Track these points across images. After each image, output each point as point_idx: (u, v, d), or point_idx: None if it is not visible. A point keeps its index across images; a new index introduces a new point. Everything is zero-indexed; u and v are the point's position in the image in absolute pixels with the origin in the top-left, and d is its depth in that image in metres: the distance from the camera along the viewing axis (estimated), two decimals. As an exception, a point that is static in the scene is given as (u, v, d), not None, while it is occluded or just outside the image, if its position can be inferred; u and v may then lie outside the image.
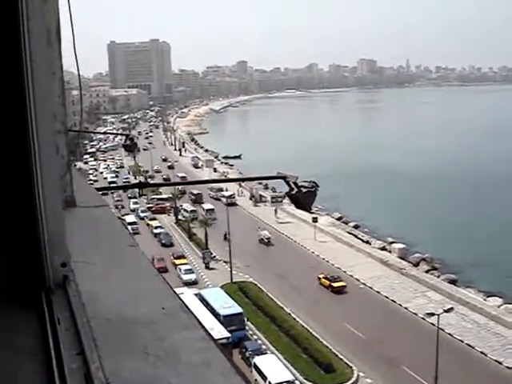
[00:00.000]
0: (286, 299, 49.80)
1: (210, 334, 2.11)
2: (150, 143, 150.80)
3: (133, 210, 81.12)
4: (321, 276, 54.27)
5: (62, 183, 3.37)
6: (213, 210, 75.63)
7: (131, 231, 57.53)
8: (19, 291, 2.40)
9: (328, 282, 53.10)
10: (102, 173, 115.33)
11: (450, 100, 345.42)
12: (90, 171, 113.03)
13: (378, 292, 52.23)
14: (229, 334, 38.06)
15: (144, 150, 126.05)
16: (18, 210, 2.43)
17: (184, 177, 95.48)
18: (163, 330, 2.13)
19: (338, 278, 53.62)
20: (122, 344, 2.02)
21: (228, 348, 36.24)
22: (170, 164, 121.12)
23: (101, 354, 1.88)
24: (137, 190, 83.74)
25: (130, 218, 72.17)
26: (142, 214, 78.72)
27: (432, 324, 41.14)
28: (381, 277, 56.08)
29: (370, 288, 53.22)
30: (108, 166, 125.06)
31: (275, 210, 79.73)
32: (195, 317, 2.24)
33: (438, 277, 56.38)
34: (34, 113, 2.26)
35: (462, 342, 42.29)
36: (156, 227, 71.72)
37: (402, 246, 63.87)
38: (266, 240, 66.62)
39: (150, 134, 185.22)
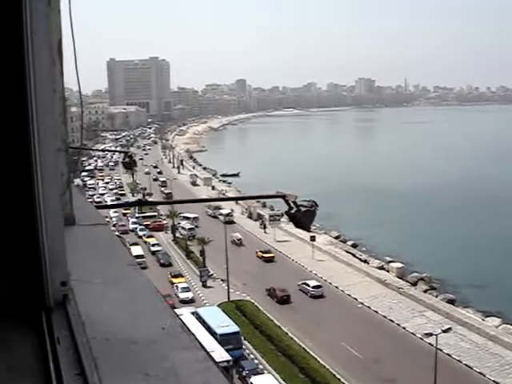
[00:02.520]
0: (282, 318, 49.65)
1: (210, 355, 2.09)
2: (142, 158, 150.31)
3: (132, 230, 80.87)
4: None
5: (61, 201, 3.36)
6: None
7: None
8: (19, 310, 2.38)
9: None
10: (102, 195, 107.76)
11: (447, 120, 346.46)
12: (89, 191, 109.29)
13: (376, 311, 52.02)
14: (229, 357, 37.81)
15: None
16: (18, 228, 2.42)
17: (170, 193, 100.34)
18: (163, 350, 2.11)
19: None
20: (122, 364, 2.00)
21: (229, 371, 36.07)
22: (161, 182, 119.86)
23: (101, 374, 1.86)
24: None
25: (137, 251, 63.61)
26: (140, 233, 78.64)
27: (430, 344, 40.90)
28: (378, 296, 55.88)
29: (368, 307, 53.01)
30: (107, 185, 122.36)
31: (264, 225, 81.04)
32: (195, 337, 2.23)
33: (437, 296, 56.20)
34: (37, 130, 2.26)
35: (460, 362, 42.05)
36: (153, 245, 71.49)
37: (400, 265, 63.74)
38: (237, 241, 71.20)
39: (145, 152, 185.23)
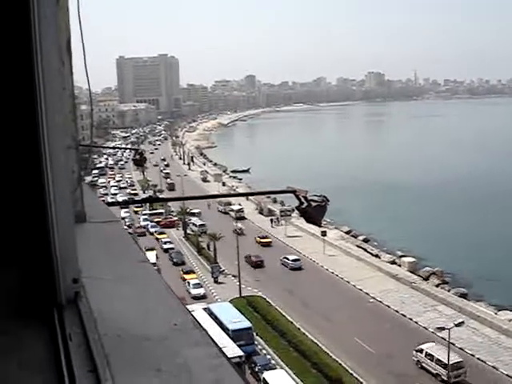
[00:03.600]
0: (294, 313, 49.69)
1: (222, 351, 2.09)
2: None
3: (143, 227, 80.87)
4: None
5: (72, 198, 3.37)
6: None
7: None
8: (31, 307, 2.39)
9: None
10: (115, 194, 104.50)
11: (457, 113, 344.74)
12: (101, 190, 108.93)
13: (388, 306, 51.93)
14: (242, 353, 37.88)
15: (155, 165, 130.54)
16: (29, 226, 2.42)
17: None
18: (175, 346, 2.11)
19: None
20: (134, 361, 2.01)
21: (241, 366, 36.13)
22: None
23: (113, 371, 1.87)
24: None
25: (152, 258, 56.91)
26: (151, 229, 78.81)
27: (443, 338, 40.78)
28: (390, 291, 55.78)
29: (380, 302, 52.92)
30: (118, 183, 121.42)
31: (271, 220, 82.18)
32: (207, 333, 2.23)
33: (449, 291, 56.00)
34: (46, 128, 2.26)
35: (473, 356, 41.89)
36: (166, 242, 71.35)
37: (411, 259, 63.52)
38: (239, 231, 71.98)
39: (156, 147, 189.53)
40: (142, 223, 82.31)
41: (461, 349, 42.09)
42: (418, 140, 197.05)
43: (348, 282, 58.08)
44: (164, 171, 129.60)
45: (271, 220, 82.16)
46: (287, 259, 63.45)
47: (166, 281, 2.94)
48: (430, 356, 39.93)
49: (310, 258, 66.18)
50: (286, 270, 62.05)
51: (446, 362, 37.65)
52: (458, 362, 38.63)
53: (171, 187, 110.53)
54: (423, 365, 40.47)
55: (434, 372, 39.57)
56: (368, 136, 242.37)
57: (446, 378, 38.38)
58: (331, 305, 51.84)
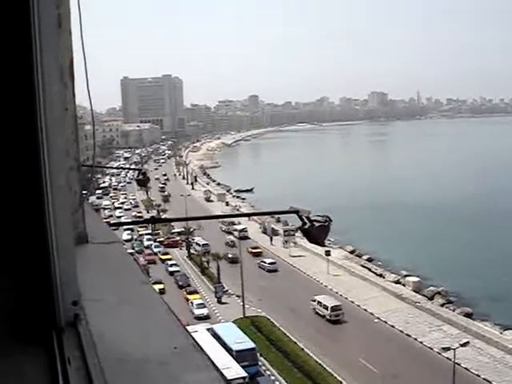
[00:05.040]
0: (298, 333, 49.38)
1: (223, 375, 2.07)
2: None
3: (147, 247, 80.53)
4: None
5: (74, 219, 3.36)
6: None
7: None
8: (29, 329, 2.36)
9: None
10: (119, 217, 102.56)
11: (461, 132, 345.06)
12: (105, 211, 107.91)
13: (393, 326, 51.62)
14: (245, 374, 37.63)
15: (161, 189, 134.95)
16: (29, 247, 2.41)
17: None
18: (176, 370, 2.08)
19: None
20: None
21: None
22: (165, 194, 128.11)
23: (112, 396, 1.84)
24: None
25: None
26: (155, 250, 78.45)
27: (448, 358, 40.49)
28: (395, 311, 55.51)
29: (385, 322, 52.62)
30: (122, 205, 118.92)
31: (270, 238, 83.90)
32: (208, 357, 2.20)
33: (454, 310, 55.70)
34: (47, 149, 2.26)
35: (478, 376, 41.55)
36: (171, 265, 70.35)
37: (416, 279, 63.26)
38: (230, 243, 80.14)
39: (159, 164, 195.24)
40: (146, 243, 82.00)
41: (466, 369, 41.77)
42: (422, 159, 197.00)
43: (352, 302, 57.80)
44: (160, 184, 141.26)
45: (285, 241, 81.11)
46: (264, 262, 70.14)
47: (170, 302, 2.92)
48: (319, 303, 54.34)
49: (315, 278, 65.98)
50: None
51: (328, 305, 53.08)
52: (336, 305, 53.77)
53: (165, 199, 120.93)
54: (317, 311, 54.50)
55: (323, 314, 53.47)
56: (371, 155, 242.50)
57: (329, 318, 52.71)
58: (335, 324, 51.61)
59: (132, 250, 72.70)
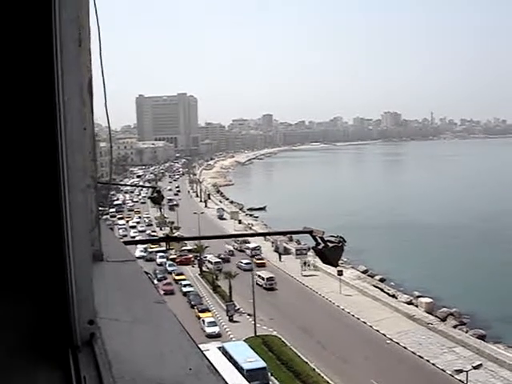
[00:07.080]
0: (309, 354, 48.98)
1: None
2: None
3: (160, 264, 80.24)
4: None
5: (90, 237, 3.37)
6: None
7: None
8: (45, 347, 2.37)
9: None
10: (134, 237, 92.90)
11: (474, 153, 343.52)
12: (120, 231, 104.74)
13: (405, 347, 51.10)
14: None
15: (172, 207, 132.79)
16: (47, 265, 2.42)
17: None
18: None
19: None
20: None
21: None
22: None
23: (127, 416, 1.83)
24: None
25: None
26: (169, 268, 77.75)
27: (461, 381, 40.01)
28: (407, 332, 54.95)
29: (397, 343, 52.10)
30: (137, 225, 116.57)
31: (279, 255, 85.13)
32: (223, 378, 2.19)
33: (466, 332, 55.07)
34: (66, 168, 2.28)
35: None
36: (185, 285, 69.22)
37: (428, 300, 62.68)
38: (229, 252, 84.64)
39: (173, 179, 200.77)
40: (158, 260, 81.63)
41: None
42: (435, 180, 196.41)
43: (365, 323, 57.34)
44: (168, 198, 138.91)
45: (304, 263, 78.46)
46: (262, 279, 70.35)
47: (182, 320, 2.91)
48: (259, 276, 68.50)
49: (327, 298, 65.60)
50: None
51: (264, 277, 68.70)
52: (271, 277, 70.03)
53: (172, 207, 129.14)
54: (257, 283, 65.45)
55: (261, 283, 67.94)
56: (385, 175, 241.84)
57: (264, 286, 67.85)
58: (347, 345, 51.10)
59: (153, 276, 70.30)
